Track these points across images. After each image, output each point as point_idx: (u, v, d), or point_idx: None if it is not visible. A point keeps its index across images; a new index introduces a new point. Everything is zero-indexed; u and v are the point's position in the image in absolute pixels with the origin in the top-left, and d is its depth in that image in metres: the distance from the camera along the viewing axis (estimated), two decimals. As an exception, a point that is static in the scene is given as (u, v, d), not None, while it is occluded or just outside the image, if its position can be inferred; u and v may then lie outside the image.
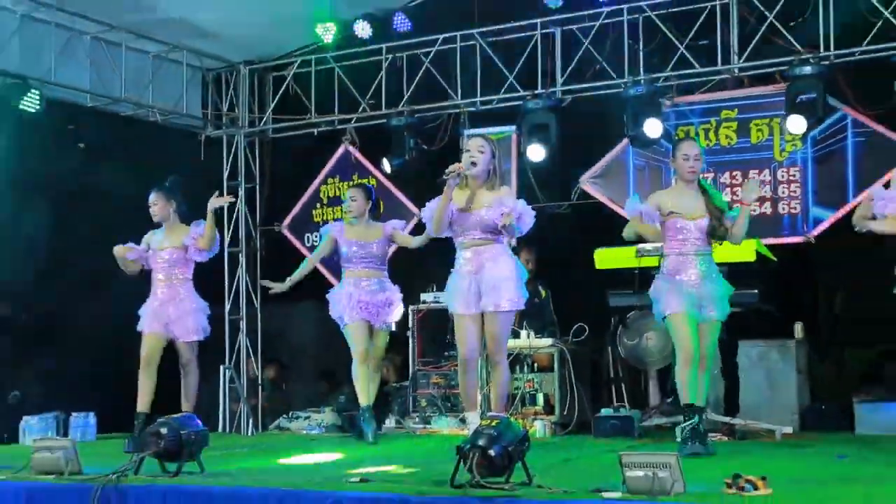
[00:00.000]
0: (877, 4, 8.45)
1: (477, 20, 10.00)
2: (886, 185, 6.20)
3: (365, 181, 10.52)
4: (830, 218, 9.04)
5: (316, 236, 10.96)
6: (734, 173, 9.24)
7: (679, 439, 6.59)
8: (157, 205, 8.01)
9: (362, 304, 7.97)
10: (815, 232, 9.10)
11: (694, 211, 6.64)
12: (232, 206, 11.04)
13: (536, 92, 9.69)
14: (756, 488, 4.54)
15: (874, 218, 5.95)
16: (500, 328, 6.62)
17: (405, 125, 10.16)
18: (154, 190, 8.05)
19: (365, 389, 8.06)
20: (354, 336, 7.98)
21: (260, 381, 11.25)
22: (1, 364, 9.54)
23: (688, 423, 6.55)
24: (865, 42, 8.59)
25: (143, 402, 7.90)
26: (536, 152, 9.63)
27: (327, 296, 8.24)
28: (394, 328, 8.44)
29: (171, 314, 7.97)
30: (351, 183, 10.69)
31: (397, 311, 8.27)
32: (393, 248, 8.33)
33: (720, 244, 6.78)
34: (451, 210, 6.65)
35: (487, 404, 7.36)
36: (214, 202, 7.92)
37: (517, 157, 9.91)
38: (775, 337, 8.73)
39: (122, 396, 8.63)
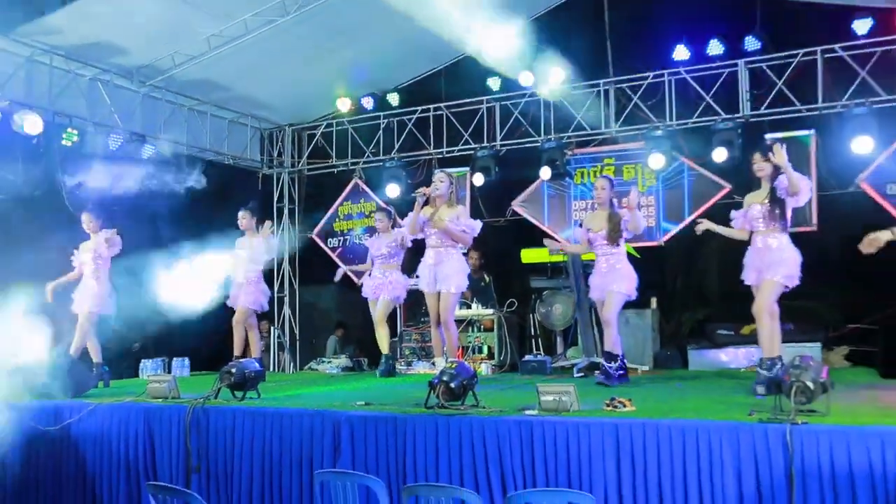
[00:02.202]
0: (701, 92, 8.69)
1: (444, 98, 10.07)
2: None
3: (370, 204, 10.57)
4: (674, 229, 9.20)
5: (336, 241, 11.07)
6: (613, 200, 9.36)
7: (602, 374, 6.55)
8: (245, 219, 8.05)
9: (377, 286, 7.98)
10: (664, 238, 9.26)
11: (598, 225, 6.67)
12: (279, 218, 11.16)
13: (483, 145, 9.75)
14: (625, 406, 4.69)
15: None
16: (448, 303, 6.89)
17: (395, 166, 10.19)
18: (243, 208, 8.10)
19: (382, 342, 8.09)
20: (371, 308, 8.08)
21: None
22: (129, 323, 9.52)
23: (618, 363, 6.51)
24: (695, 116, 8.79)
25: (238, 350, 7.97)
26: (482, 183, 9.71)
27: (361, 280, 8.27)
28: (399, 302, 8.25)
29: (243, 291, 8.02)
30: (360, 205, 10.87)
31: (398, 290, 8.05)
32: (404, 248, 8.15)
33: (618, 244, 6.67)
34: (422, 218, 6.88)
35: (448, 353, 7.23)
36: (264, 231, 7.91)
37: (470, 187, 9.94)
38: (637, 307, 8.73)
39: (206, 348, 8.78)
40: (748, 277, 5.73)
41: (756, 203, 5.74)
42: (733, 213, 5.99)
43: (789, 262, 5.56)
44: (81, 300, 7.66)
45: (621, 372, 6.52)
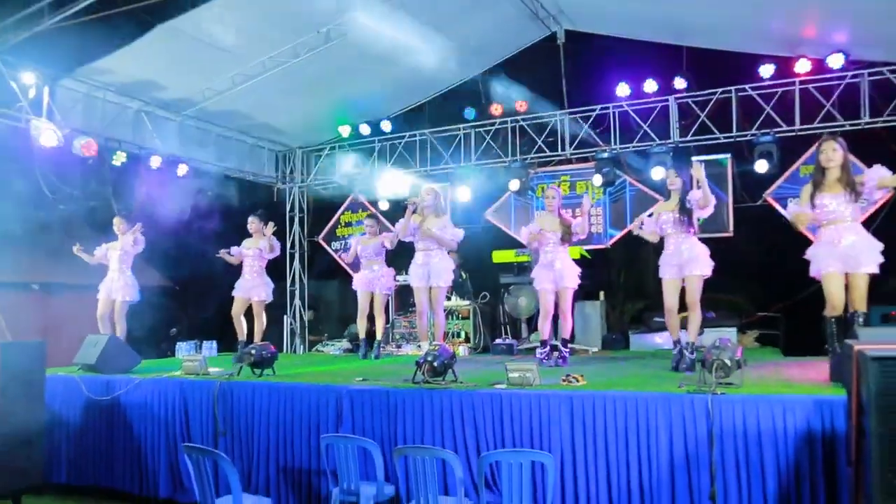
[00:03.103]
0: (639, 122, 8.69)
1: (427, 124, 10.05)
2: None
3: (366, 213, 10.51)
4: (618, 234, 9.21)
5: (338, 243, 10.97)
6: (567, 210, 9.24)
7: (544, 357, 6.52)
8: (254, 223, 7.94)
9: (367, 280, 7.85)
10: (610, 242, 9.27)
11: (551, 228, 6.52)
12: (291, 225, 11.09)
13: (461, 164, 9.74)
14: (577, 381, 4.72)
15: (641, 227, 5.99)
16: (438, 296, 6.87)
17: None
18: (252, 215, 8.01)
19: (362, 330, 7.92)
20: (359, 300, 7.93)
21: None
22: (168, 313, 9.54)
23: (546, 348, 6.52)
24: (635, 141, 8.82)
25: (241, 335, 7.84)
26: (462, 196, 9.73)
27: (354, 275, 8.11)
28: (391, 292, 8.14)
29: (251, 286, 7.85)
30: (358, 214, 10.76)
31: (389, 282, 7.96)
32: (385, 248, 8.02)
33: (567, 245, 6.57)
34: (413, 225, 6.85)
35: (433, 337, 7.33)
36: (267, 230, 7.83)
37: (450, 199, 9.85)
38: (589, 298, 8.82)
39: (231, 332, 8.73)
40: (665, 273, 5.77)
41: (666, 211, 5.80)
42: (644, 218, 6.02)
43: (701, 256, 5.67)
44: (113, 291, 7.64)
45: (565, 353, 6.50)
